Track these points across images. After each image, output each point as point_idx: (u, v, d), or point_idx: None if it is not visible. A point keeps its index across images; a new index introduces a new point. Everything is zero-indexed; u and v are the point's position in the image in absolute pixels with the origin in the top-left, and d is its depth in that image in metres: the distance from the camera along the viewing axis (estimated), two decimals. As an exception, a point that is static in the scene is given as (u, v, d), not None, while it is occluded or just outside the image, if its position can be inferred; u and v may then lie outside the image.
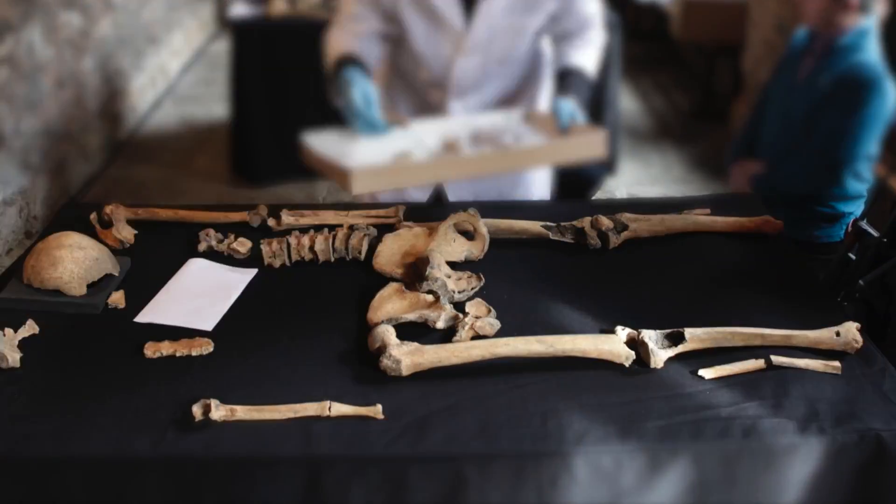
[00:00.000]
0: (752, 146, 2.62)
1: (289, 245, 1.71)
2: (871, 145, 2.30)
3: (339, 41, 2.02)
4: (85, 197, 3.67)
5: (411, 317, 1.52)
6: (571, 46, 2.08)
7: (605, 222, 1.79)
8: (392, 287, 1.60)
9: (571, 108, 1.94)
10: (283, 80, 3.78)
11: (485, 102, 2.12)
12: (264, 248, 1.71)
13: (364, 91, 1.87)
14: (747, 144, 2.64)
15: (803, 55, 2.45)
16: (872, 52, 2.30)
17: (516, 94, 2.16)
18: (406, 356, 1.38)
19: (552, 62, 2.18)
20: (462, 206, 1.78)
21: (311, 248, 1.71)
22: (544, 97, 2.23)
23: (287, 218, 1.85)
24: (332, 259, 1.72)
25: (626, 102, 4.99)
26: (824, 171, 2.32)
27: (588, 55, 2.08)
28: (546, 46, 2.19)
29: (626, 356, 1.42)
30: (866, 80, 2.25)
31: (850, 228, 1.93)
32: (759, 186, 2.44)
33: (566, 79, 2.02)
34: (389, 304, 1.55)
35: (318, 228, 1.81)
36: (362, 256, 1.73)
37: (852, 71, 2.27)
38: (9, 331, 1.47)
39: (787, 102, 2.46)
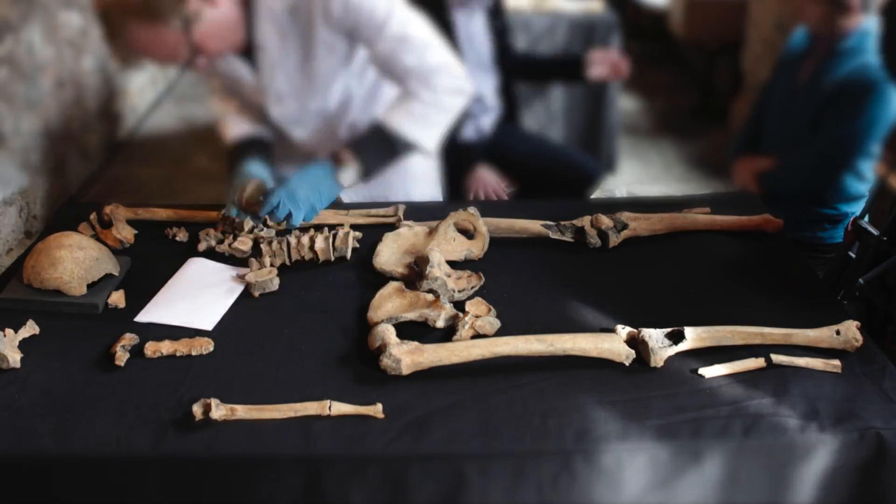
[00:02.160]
0: (753, 145, 2.62)
1: (289, 245, 1.71)
2: (874, 146, 2.30)
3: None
4: (85, 197, 3.66)
5: (411, 316, 1.51)
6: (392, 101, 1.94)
7: (605, 221, 1.79)
8: (392, 286, 1.60)
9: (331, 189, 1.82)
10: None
11: (307, 120, 2.10)
12: (264, 247, 1.70)
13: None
14: (748, 143, 2.64)
15: (803, 57, 2.44)
16: (875, 54, 2.29)
17: (338, 116, 2.10)
18: (406, 355, 1.38)
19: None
20: (462, 205, 1.77)
21: (312, 248, 1.71)
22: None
23: (287, 217, 1.84)
24: (332, 258, 1.72)
25: (626, 101, 4.99)
26: (825, 172, 2.32)
27: (402, 111, 1.88)
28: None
29: (627, 355, 1.42)
30: (870, 83, 2.24)
31: (850, 227, 1.93)
32: (764, 183, 2.44)
33: (363, 139, 1.87)
34: (389, 304, 1.55)
35: (318, 228, 1.80)
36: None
37: (856, 74, 2.26)
38: (9, 331, 1.47)
39: (789, 106, 2.45)
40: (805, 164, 2.36)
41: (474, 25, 2.77)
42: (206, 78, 2.18)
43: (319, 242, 1.71)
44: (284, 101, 2.03)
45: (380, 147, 1.87)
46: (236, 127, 2.12)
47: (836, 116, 2.29)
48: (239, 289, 1.65)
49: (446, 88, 1.89)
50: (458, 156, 2.70)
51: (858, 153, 2.29)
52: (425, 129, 1.89)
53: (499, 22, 2.89)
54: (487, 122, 2.91)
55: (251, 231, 1.80)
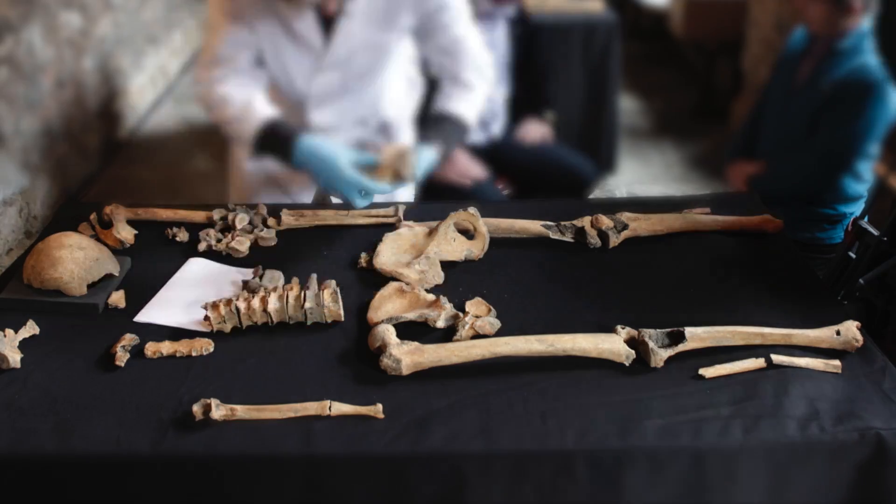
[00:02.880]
0: (750, 147, 2.62)
1: (238, 310, 1.52)
2: (872, 147, 2.30)
3: (246, 102, 1.89)
4: (85, 197, 3.66)
5: (411, 316, 1.51)
6: (451, 92, 2.00)
7: (605, 221, 1.79)
8: (392, 286, 1.60)
9: (430, 157, 1.85)
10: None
11: (343, 116, 2.07)
12: (211, 313, 1.51)
13: (348, 157, 1.74)
14: (745, 145, 2.64)
15: (802, 57, 2.44)
16: (873, 54, 2.29)
17: (374, 115, 2.11)
18: (406, 355, 1.38)
19: (426, 100, 2.16)
20: (462, 205, 1.77)
21: (265, 311, 1.52)
22: (407, 129, 2.20)
23: (287, 218, 1.85)
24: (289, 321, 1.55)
25: (626, 102, 4.99)
26: (824, 175, 2.32)
27: (467, 102, 2.00)
28: (418, 79, 2.18)
29: (627, 355, 1.42)
30: (869, 83, 2.23)
31: (850, 227, 1.93)
32: (756, 188, 2.44)
33: (437, 124, 1.94)
34: (389, 304, 1.55)
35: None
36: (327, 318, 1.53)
37: (855, 75, 2.26)
38: (9, 331, 1.47)
39: (786, 105, 2.45)
40: (804, 166, 2.36)
41: (496, 35, 2.81)
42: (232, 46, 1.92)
43: (272, 302, 1.53)
44: (330, 75, 1.96)
45: (456, 137, 1.97)
46: (264, 108, 1.90)
47: (835, 118, 2.28)
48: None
49: (490, 79, 2.07)
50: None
51: (858, 155, 2.29)
52: (476, 114, 2.04)
53: (520, 30, 2.92)
54: (497, 127, 2.94)
55: (251, 232, 1.80)
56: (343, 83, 2.00)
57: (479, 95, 2.03)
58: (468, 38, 1.99)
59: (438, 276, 1.65)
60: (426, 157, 1.85)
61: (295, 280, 1.60)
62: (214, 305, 1.51)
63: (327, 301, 1.52)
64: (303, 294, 1.52)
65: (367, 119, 2.10)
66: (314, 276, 1.61)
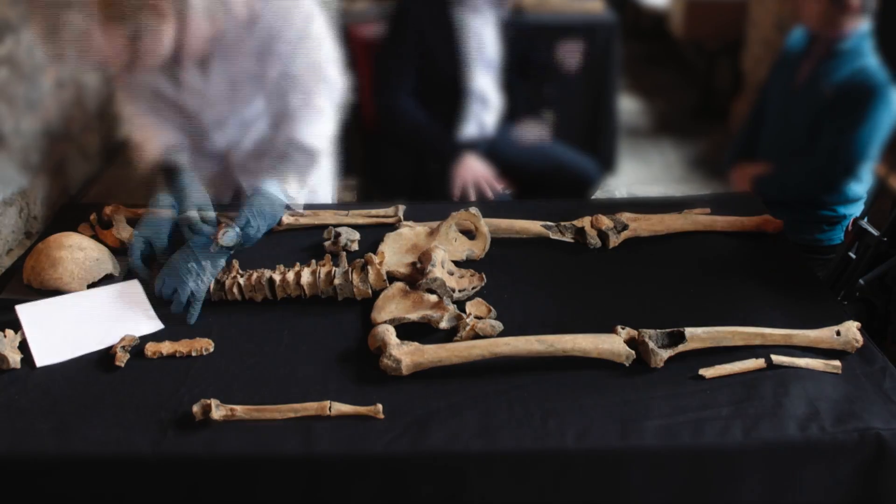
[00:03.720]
0: (750, 149, 2.61)
1: (272, 281, 1.59)
2: (876, 150, 2.29)
3: (146, 138, 1.96)
4: (85, 197, 3.66)
5: (414, 317, 1.51)
6: (299, 116, 1.94)
7: (605, 222, 1.79)
8: (396, 287, 1.60)
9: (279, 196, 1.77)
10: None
11: (240, 128, 2.06)
12: (243, 281, 1.59)
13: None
14: (744, 147, 2.64)
15: (801, 58, 2.43)
16: (874, 56, 2.29)
17: (270, 111, 2.08)
18: (406, 356, 1.38)
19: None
20: (464, 205, 1.77)
21: (298, 284, 1.59)
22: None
23: (286, 218, 1.84)
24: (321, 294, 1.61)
25: (626, 102, 4.99)
26: (830, 179, 2.31)
27: (316, 127, 1.93)
28: None
29: (627, 355, 1.42)
30: (872, 87, 2.22)
31: (850, 227, 1.93)
32: (761, 188, 2.43)
33: (286, 153, 1.89)
34: (393, 304, 1.55)
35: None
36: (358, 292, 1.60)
37: (857, 77, 2.25)
38: (9, 331, 1.47)
39: (787, 107, 2.44)
40: (809, 171, 2.35)
41: (486, 29, 2.85)
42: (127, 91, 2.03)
43: (305, 276, 1.61)
44: (218, 107, 1.99)
45: (303, 160, 1.89)
46: (162, 137, 1.95)
47: (839, 122, 2.27)
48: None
49: (339, 104, 1.98)
50: (457, 153, 2.71)
51: (864, 159, 2.27)
52: (326, 141, 1.97)
53: (513, 32, 2.93)
54: (490, 119, 2.93)
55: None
56: (229, 112, 2.01)
57: (328, 119, 1.97)
58: (327, 61, 1.94)
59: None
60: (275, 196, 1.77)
61: (327, 257, 1.64)
62: (249, 276, 1.59)
63: (356, 281, 1.58)
64: (333, 270, 1.59)
65: (263, 118, 2.07)
66: (344, 253, 1.66)
